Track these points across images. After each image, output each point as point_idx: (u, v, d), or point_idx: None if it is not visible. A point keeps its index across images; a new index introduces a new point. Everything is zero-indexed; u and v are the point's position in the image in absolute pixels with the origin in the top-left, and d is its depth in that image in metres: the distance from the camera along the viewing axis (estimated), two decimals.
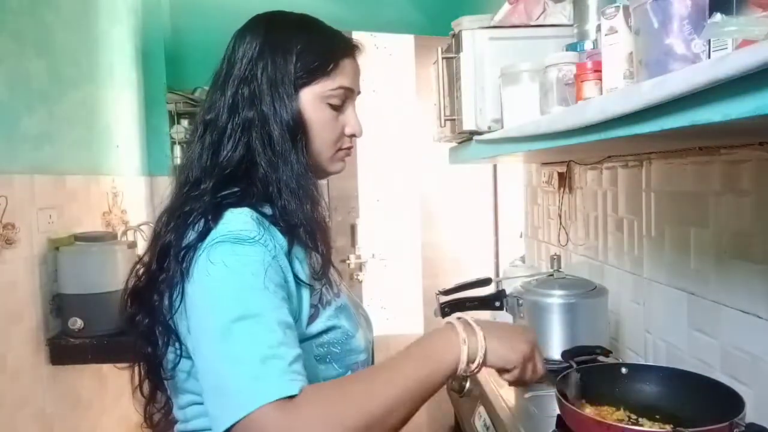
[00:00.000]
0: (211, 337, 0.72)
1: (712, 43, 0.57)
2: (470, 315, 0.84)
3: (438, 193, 3.16)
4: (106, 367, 2.54)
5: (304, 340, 0.81)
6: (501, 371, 0.86)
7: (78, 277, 2.18)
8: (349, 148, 0.94)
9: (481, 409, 1.39)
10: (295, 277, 0.81)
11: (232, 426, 0.66)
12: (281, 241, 0.80)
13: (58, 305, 2.22)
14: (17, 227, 1.99)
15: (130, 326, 0.85)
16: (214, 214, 0.79)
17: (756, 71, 0.44)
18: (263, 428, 0.65)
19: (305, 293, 0.82)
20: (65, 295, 2.20)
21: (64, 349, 2.19)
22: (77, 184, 2.43)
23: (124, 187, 2.84)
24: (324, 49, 0.88)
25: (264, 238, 0.77)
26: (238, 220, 0.78)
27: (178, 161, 3.25)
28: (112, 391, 2.62)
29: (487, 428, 1.32)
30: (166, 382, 0.86)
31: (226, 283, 0.73)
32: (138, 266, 0.86)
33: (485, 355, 0.80)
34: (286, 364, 0.70)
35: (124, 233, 2.76)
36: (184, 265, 0.76)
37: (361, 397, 0.70)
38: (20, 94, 2.08)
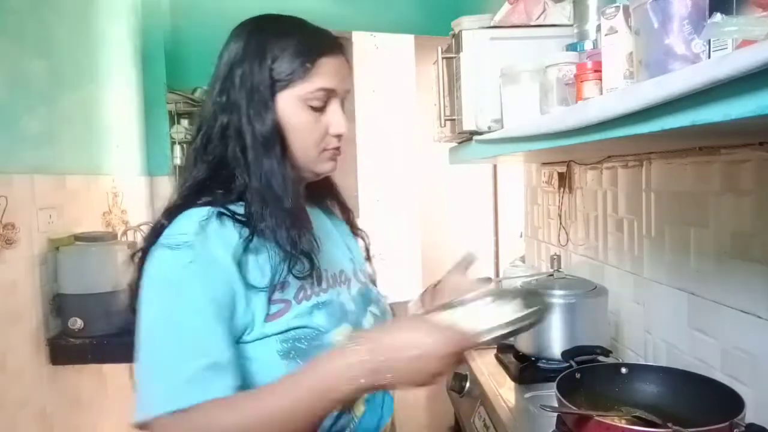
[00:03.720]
0: (140, 336, 0.79)
1: (712, 43, 0.57)
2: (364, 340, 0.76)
3: (438, 193, 3.16)
4: (106, 367, 2.54)
5: (264, 336, 0.82)
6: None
7: (78, 277, 2.18)
8: (336, 148, 0.93)
9: (481, 409, 1.39)
10: (244, 280, 0.80)
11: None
12: (233, 243, 0.80)
13: (58, 305, 2.22)
14: (17, 227, 1.99)
15: (131, 315, 0.89)
16: (171, 216, 0.82)
17: (756, 71, 0.44)
18: None
19: (259, 295, 0.82)
20: (65, 295, 2.19)
21: (64, 349, 2.18)
22: (77, 184, 2.43)
23: (124, 187, 2.84)
24: (300, 50, 0.86)
25: (199, 244, 0.78)
26: (183, 223, 0.81)
27: (178, 161, 3.26)
28: (112, 391, 2.62)
29: (487, 428, 1.32)
30: None
31: (153, 286, 0.79)
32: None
33: (373, 379, 0.73)
34: (188, 375, 0.74)
35: (124, 233, 2.76)
36: (139, 264, 0.82)
37: (234, 425, 0.73)
38: (20, 94, 2.08)
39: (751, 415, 0.93)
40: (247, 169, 0.85)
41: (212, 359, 0.76)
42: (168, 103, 3.22)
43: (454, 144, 1.70)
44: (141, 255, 0.82)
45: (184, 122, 3.31)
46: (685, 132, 0.63)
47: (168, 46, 3.28)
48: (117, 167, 2.81)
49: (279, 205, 0.84)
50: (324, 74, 0.87)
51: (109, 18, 2.82)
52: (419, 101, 2.97)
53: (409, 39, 3.04)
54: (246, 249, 0.82)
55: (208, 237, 0.79)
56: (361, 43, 3.06)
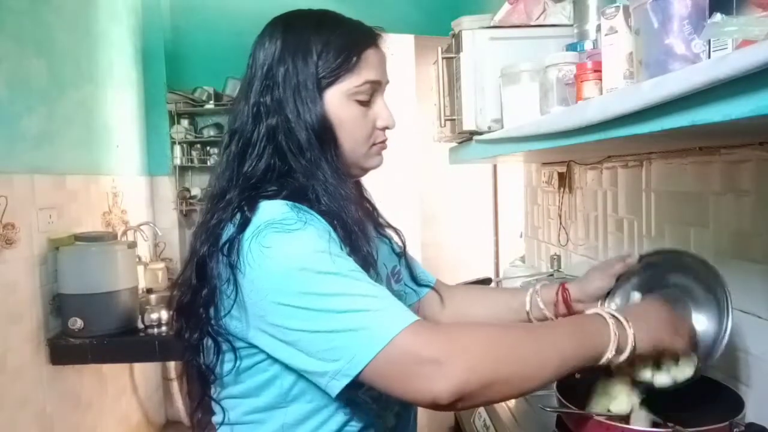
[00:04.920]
0: (304, 303, 0.71)
1: (712, 43, 0.57)
2: (610, 306, 0.86)
3: (438, 193, 3.16)
4: (106, 367, 2.54)
5: None
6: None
7: (78, 277, 2.18)
8: (383, 141, 0.91)
9: (481, 409, 1.39)
10: None
11: (371, 362, 0.67)
12: (328, 226, 0.79)
13: (58, 305, 2.22)
14: (17, 227, 1.99)
15: (178, 340, 0.85)
16: (250, 206, 0.78)
17: (756, 71, 0.44)
18: (413, 347, 0.68)
19: None
20: (65, 295, 2.20)
21: (64, 349, 2.19)
22: (77, 184, 2.43)
23: (124, 187, 2.84)
24: (344, 44, 0.84)
25: (309, 221, 0.76)
26: (276, 209, 0.77)
27: (178, 161, 3.26)
28: (112, 391, 2.62)
29: (487, 428, 1.32)
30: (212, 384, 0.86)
31: (293, 257, 0.73)
32: (178, 282, 0.85)
33: (633, 350, 0.80)
34: (398, 301, 0.72)
35: (124, 233, 2.76)
36: (232, 259, 0.75)
37: (518, 341, 0.74)
38: (20, 94, 2.08)
39: (751, 415, 0.93)
40: (306, 170, 0.81)
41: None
42: (168, 103, 3.22)
43: (454, 144, 1.70)
44: (228, 247, 0.76)
45: (184, 122, 3.31)
46: (685, 132, 0.63)
47: (168, 46, 3.28)
48: (117, 167, 2.81)
49: (347, 204, 0.82)
50: (370, 67, 0.85)
51: (109, 18, 2.82)
52: (419, 101, 2.98)
53: (409, 39, 3.04)
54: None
55: (314, 216, 0.78)
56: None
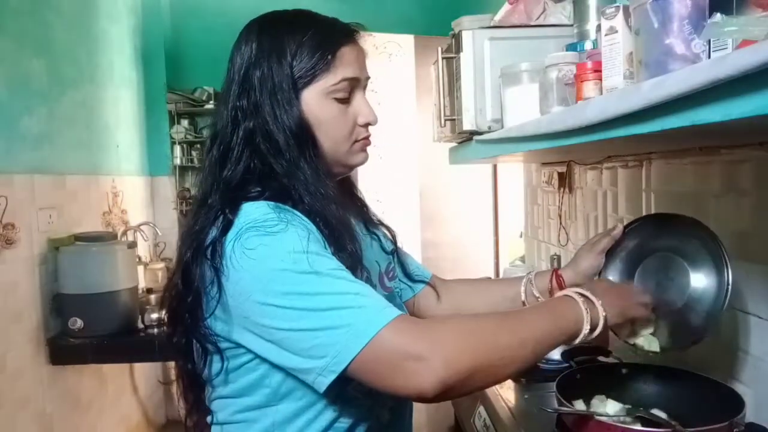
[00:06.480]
0: (288, 303, 0.72)
1: (712, 43, 0.57)
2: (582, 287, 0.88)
3: (438, 193, 3.16)
4: (106, 367, 2.54)
5: None
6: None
7: (78, 277, 2.18)
8: (366, 138, 0.91)
9: (481, 409, 1.39)
10: None
11: (355, 358, 0.68)
12: (310, 225, 0.79)
13: (58, 305, 2.22)
14: (17, 227, 1.99)
15: (170, 345, 0.86)
16: (232, 208, 0.79)
17: (756, 71, 0.44)
18: (396, 342, 0.69)
19: None
20: (65, 295, 2.20)
21: (64, 349, 2.19)
22: (77, 184, 2.43)
23: (124, 187, 2.84)
24: (318, 43, 0.83)
25: (290, 222, 0.76)
26: (258, 210, 0.77)
27: (178, 161, 3.26)
28: (112, 391, 2.62)
29: (487, 428, 1.32)
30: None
31: (275, 258, 0.73)
32: (170, 287, 0.86)
33: (605, 321, 0.83)
34: (380, 297, 0.74)
35: (124, 233, 2.76)
36: (215, 261, 0.75)
37: (493, 331, 0.75)
38: (20, 94, 2.08)
39: (751, 415, 0.93)
40: (287, 171, 0.81)
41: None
42: (168, 103, 3.22)
43: (454, 144, 1.70)
44: (211, 251, 0.76)
45: (184, 122, 3.31)
46: (685, 132, 0.63)
47: (168, 46, 3.28)
48: (117, 167, 2.82)
49: (329, 203, 0.82)
50: (346, 64, 0.85)
51: (109, 18, 2.82)
52: (419, 101, 2.98)
53: (409, 39, 3.05)
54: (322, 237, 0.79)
55: (295, 216, 0.78)
56: (361, 43, 3.06)
